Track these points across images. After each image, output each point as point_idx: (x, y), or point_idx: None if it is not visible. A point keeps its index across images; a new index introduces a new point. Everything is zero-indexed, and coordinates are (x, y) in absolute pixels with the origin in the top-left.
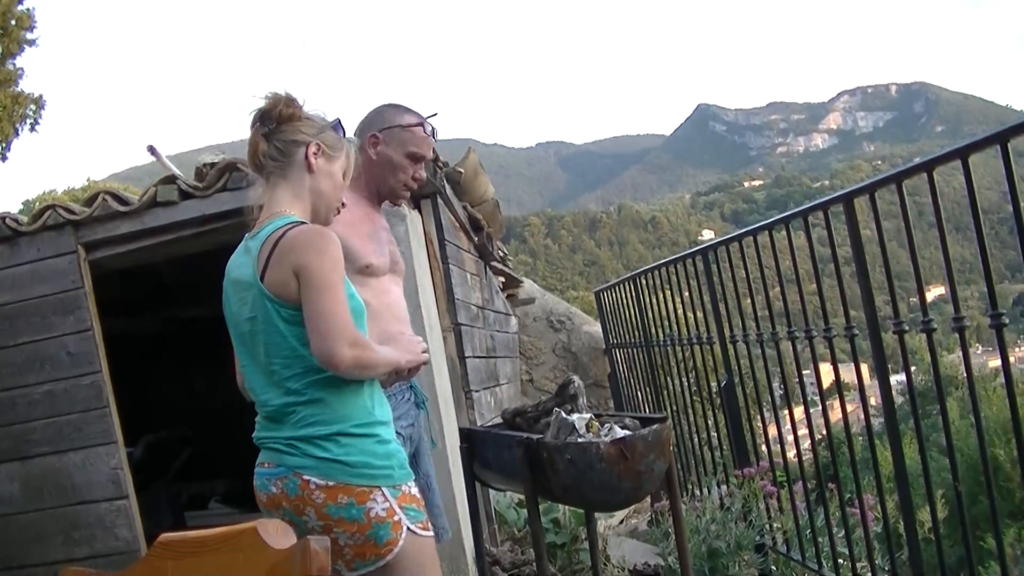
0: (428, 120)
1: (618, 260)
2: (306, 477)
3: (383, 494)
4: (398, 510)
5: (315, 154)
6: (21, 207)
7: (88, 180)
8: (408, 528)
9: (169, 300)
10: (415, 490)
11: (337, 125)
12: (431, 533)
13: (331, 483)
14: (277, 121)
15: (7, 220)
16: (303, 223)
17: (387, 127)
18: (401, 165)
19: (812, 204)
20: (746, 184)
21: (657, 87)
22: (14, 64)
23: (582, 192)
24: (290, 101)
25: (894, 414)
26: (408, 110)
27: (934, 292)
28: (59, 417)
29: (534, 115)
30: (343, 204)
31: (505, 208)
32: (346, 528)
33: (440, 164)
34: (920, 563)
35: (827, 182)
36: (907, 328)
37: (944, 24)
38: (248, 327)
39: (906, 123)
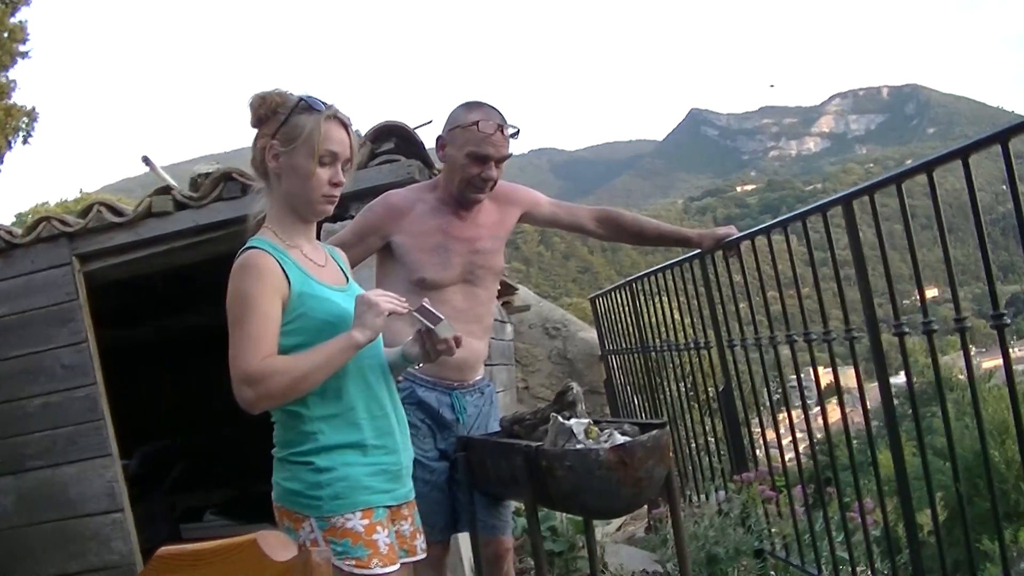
0: (491, 119)
1: (611, 266)
2: (272, 495)
3: (311, 524)
4: (322, 542)
5: (273, 156)
6: (14, 220)
7: (81, 191)
8: (334, 564)
9: (164, 311)
10: (356, 523)
11: (302, 105)
12: (371, 571)
13: (277, 504)
14: (257, 126)
15: (1, 233)
16: (248, 248)
17: (451, 127)
18: (462, 165)
19: (809, 207)
20: (739, 188)
21: (649, 93)
22: (7, 76)
23: (575, 198)
24: (260, 101)
25: (895, 416)
26: (478, 106)
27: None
28: (54, 430)
29: (526, 122)
30: (330, 194)
31: None
32: None
33: (434, 172)
34: (921, 566)
35: (819, 185)
36: (908, 331)
37: (935, 25)
38: None
39: (898, 125)
